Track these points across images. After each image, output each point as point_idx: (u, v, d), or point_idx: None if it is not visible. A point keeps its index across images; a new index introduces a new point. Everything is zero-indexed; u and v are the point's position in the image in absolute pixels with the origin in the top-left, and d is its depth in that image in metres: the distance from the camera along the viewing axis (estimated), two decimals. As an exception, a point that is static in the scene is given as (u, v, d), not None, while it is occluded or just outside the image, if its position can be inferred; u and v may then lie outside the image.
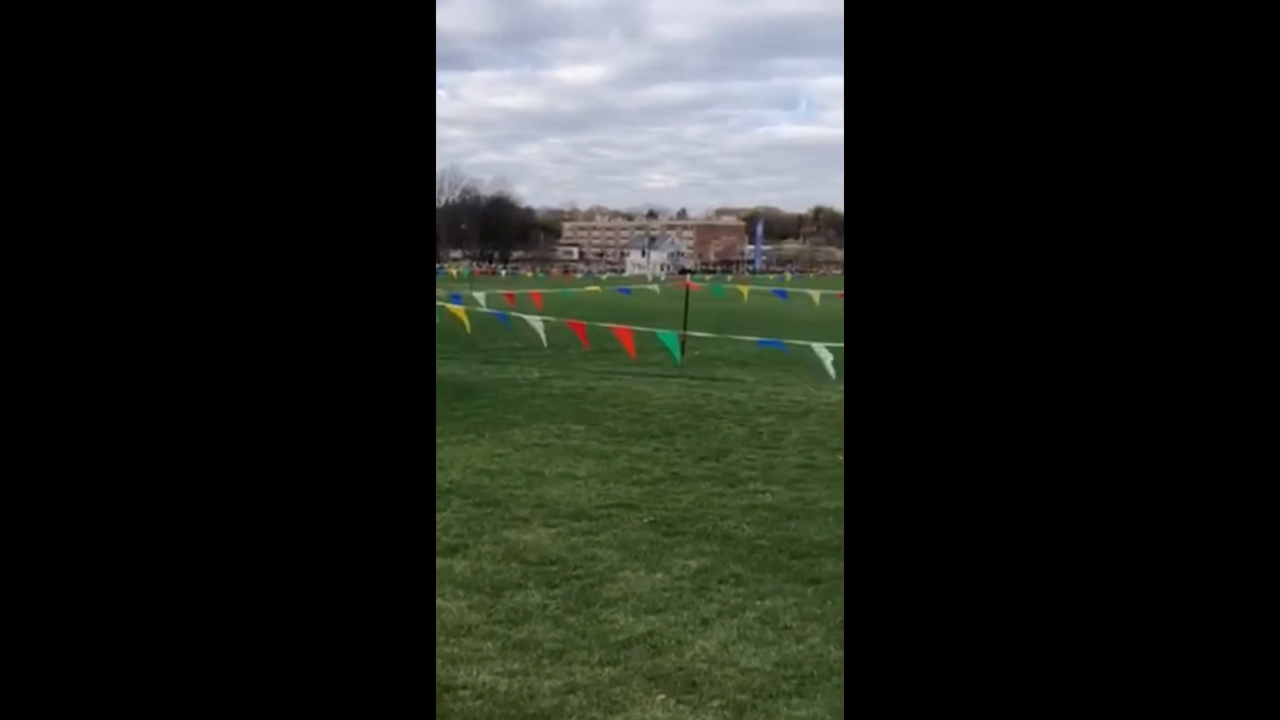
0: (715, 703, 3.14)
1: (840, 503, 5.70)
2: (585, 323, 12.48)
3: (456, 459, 6.62)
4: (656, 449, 7.31)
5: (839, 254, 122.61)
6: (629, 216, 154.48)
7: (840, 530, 5.10)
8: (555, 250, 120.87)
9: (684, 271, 38.22)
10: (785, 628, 3.77)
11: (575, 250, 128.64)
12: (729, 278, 64.09)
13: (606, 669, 3.37)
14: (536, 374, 11.42)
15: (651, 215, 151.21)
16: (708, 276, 62.82)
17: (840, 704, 3.13)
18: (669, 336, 11.85)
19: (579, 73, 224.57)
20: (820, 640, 3.65)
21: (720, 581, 4.30)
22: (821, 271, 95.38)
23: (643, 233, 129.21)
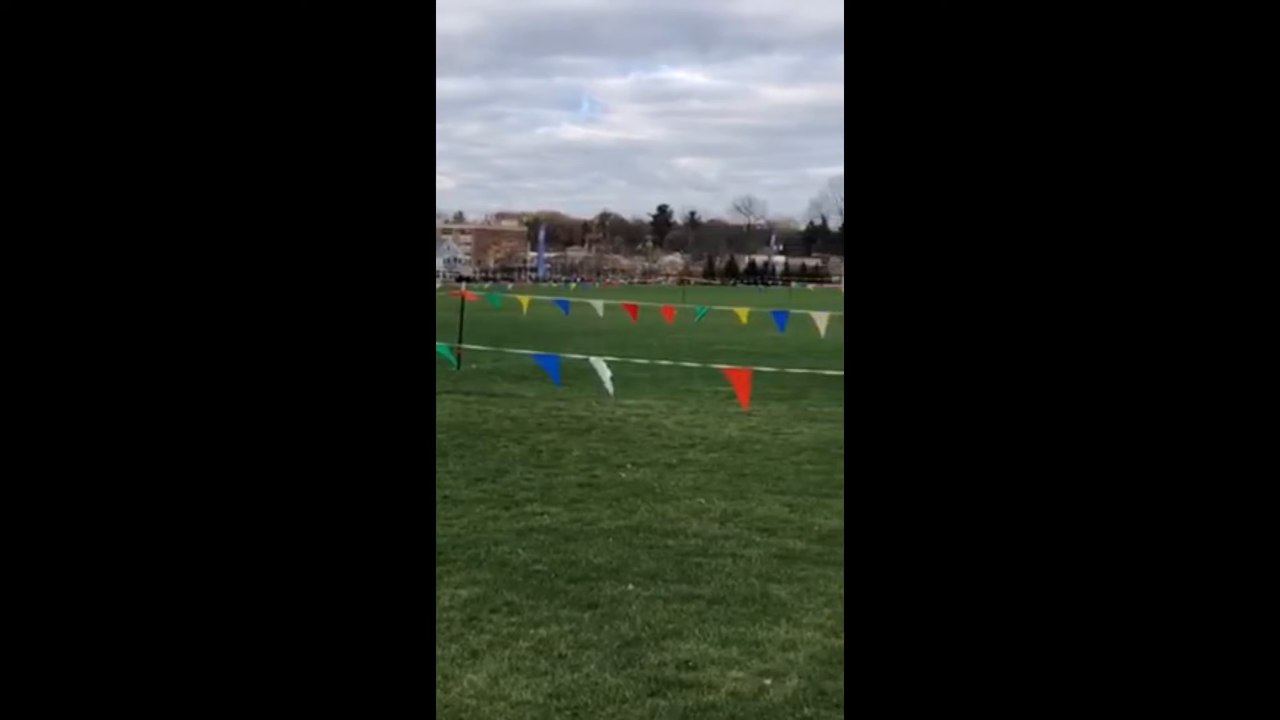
0: (483, 739, 3.18)
1: (620, 523, 5.85)
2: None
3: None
4: (425, 471, 7.25)
5: (625, 262, 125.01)
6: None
7: (619, 552, 5.25)
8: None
9: (461, 279, 37.93)
10: (560, 656, 3.85)
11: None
12: (510, 286, 63.97)
13: (364, 710, 3.33)
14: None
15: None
16: (486, 285, 62.54)
17: (615, 732, 3.23)
18: (441, 347, 11.75)
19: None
20: (595, 668, 3.74)
21: (492, 611, 4.34)
22: (608, 281, 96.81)
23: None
